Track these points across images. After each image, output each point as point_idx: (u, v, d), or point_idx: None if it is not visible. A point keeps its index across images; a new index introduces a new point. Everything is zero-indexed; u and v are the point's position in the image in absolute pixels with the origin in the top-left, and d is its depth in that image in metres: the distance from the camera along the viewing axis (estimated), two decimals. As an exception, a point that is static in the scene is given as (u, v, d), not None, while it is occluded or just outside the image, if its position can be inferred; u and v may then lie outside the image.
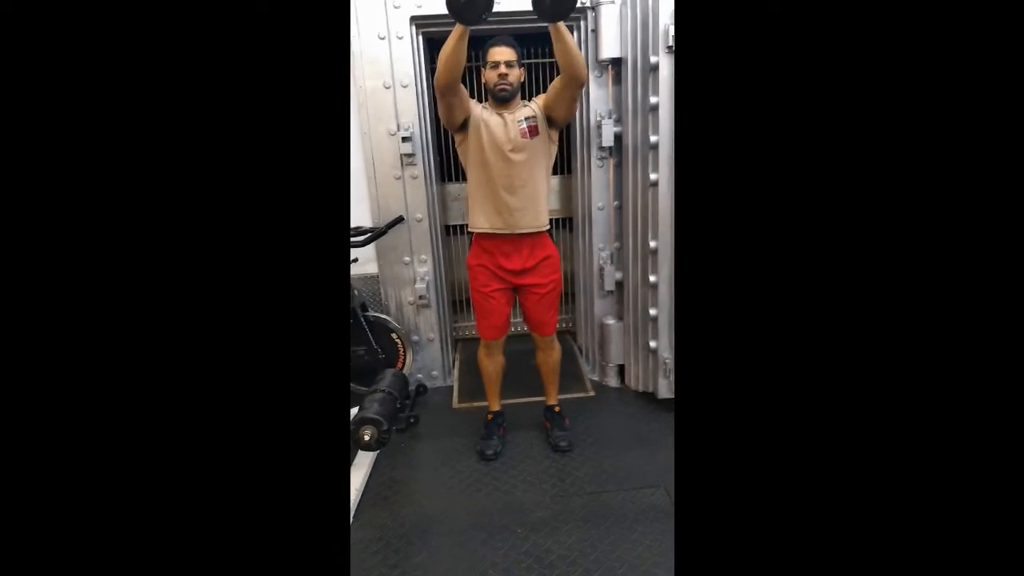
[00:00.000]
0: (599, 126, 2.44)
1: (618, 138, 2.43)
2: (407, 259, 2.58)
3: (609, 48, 2.32)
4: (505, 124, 1.88)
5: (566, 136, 2.99)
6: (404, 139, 2.38)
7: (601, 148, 2.48)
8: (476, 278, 2.04)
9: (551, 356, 2.17)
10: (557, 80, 1.81)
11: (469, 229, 2.01)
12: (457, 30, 1.62)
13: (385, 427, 1.77)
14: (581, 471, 2.01)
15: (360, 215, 2.51)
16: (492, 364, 2.16)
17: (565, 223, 3.15)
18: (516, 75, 1.87)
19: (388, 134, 2.42)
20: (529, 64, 2.97)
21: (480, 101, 1.95)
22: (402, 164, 2.46)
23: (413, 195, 2.51)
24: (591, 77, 2.43)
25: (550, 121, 1.91)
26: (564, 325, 3.25)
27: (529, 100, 1.96)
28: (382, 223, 2.46)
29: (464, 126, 1.89)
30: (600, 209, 2.59)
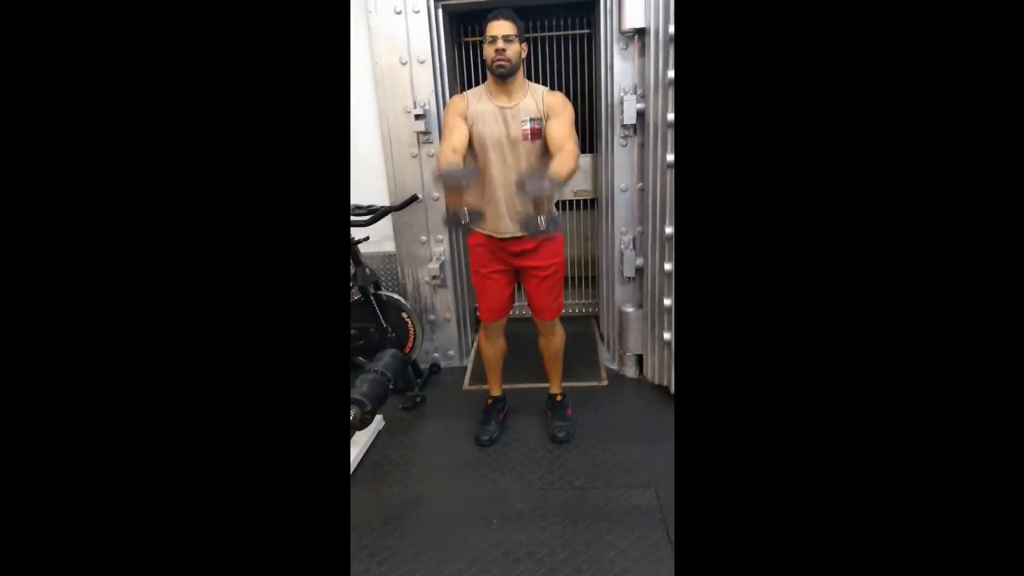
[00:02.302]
0: (622, 102, 2.30)
1: (642, 115, 2.28)
2: (424, 238, 2.56)
3: (633, 18, 2.15)
4: (505, 120, 1.80)
5: (591, 112, 2.85)
6: (417, 116, 2.34)
7: (624, 126, 2.34)
8: (476, 258, 1.99)
9: (552, 342, 2.11)
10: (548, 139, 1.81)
11: (473, 228, 1.96)
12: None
13: (368, 408, 1.78)
14: (573, 464, 1.95)
15: (377, 193, 2.51)
16: (492, 348, 2.12)
17: (592, 203, 3.03)
18: (515, 50, 1.78)
19: (405, 111, 2.39)
20: (534, 39, 2.85)
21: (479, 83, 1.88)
22: (418, 142, 2.43)
23: (430, 173, 2.48)
24: (616, 49, 2.29)
25: None
26: (589, 310, 3.15)
27: (538, 84, 1.87)
28: (398, 202, 2.45)
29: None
30: (623, 191, 2.45)
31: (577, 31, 2.82)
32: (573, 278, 3.17)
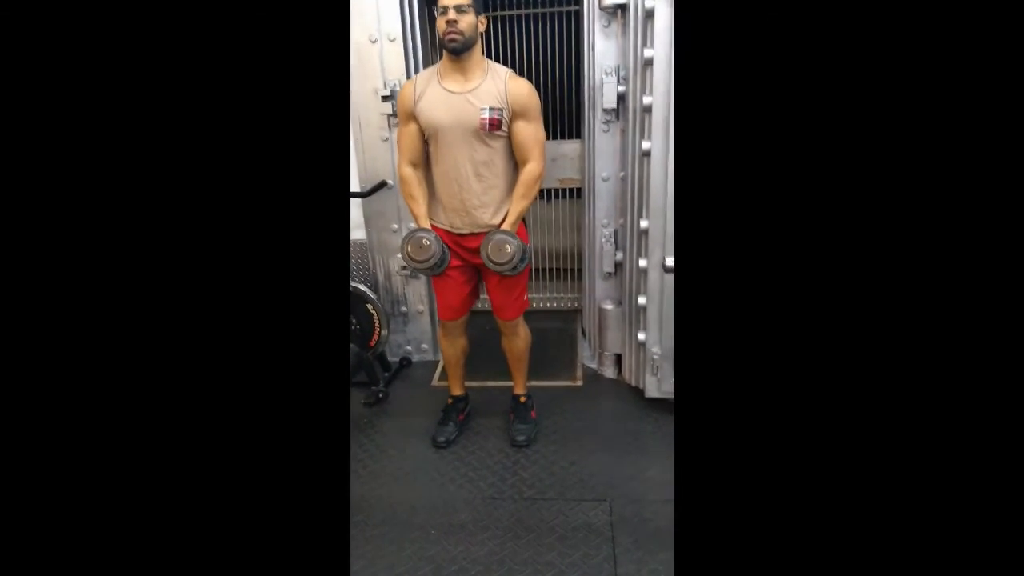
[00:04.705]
0: (602, 84, 2.14)
1: (623, 99, 2.12)
2: (395, 227, 2.45)
3: (614, -9, 1.99)
4: (458, 106, 1.66)
5: (574, 96, 2.69)
6: (384, 98, 2.22)
7: (605, 110, 2.18)
8: (433, 252, 1.87)
9: (515, 343, 1.98)
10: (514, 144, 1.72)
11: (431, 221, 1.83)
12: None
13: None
14: (528, 471, 1.83)
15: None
16: (451, 347, 2.00)
17: (579, 192, 2.87)
18: (469, 22, 1.63)
19: (374, 92, 2.27)
20: (496, 16, 2.67)
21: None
22: (389, 125, 2.31)
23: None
24: (598, 28, 2.13)
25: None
26: (574, 304, 3.01)
27: (500, 65, 1.73)
28: (367, 187, 2.34)
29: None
30: (604, 180, 2.30)
31: (565, 8, 2.65)
32: (559, 270, 3.02)
